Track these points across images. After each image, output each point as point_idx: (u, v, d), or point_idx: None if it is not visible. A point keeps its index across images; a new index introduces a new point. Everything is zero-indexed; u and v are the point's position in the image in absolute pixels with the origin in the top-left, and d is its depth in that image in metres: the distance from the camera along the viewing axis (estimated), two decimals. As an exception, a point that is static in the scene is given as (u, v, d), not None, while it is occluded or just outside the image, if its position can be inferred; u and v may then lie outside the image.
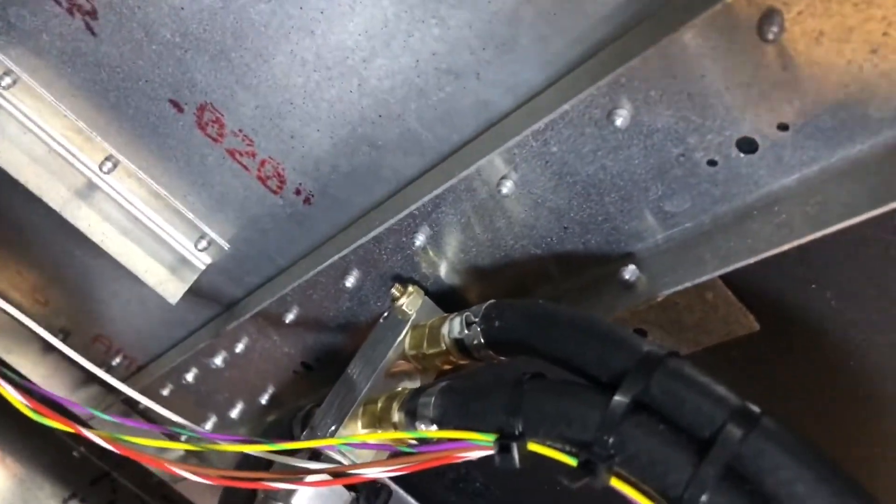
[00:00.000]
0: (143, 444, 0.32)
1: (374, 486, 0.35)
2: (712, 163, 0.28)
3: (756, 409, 0.23)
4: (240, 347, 0.47)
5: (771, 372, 0.34)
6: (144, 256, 0.43)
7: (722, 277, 0.31)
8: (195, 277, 0.43)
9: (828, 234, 0.27)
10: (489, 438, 0.27)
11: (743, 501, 0.23)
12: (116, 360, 0.55)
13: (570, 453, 0.25)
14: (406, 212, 0.34)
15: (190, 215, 0.42)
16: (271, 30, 0.31)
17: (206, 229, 0.42)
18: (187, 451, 0.44)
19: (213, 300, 0.47)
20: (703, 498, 0.23)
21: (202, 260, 0.43)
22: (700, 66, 0.25)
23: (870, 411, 0.33)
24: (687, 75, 0.26)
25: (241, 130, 0.35)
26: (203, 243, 0.42)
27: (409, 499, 0.44)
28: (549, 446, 0.26)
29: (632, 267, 0.31)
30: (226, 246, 0.42)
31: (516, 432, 0.26)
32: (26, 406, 0.30)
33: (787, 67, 0.25)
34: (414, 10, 0.29)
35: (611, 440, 0.24)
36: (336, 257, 0.36)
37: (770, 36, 0.24)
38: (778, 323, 0.31)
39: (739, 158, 0.28)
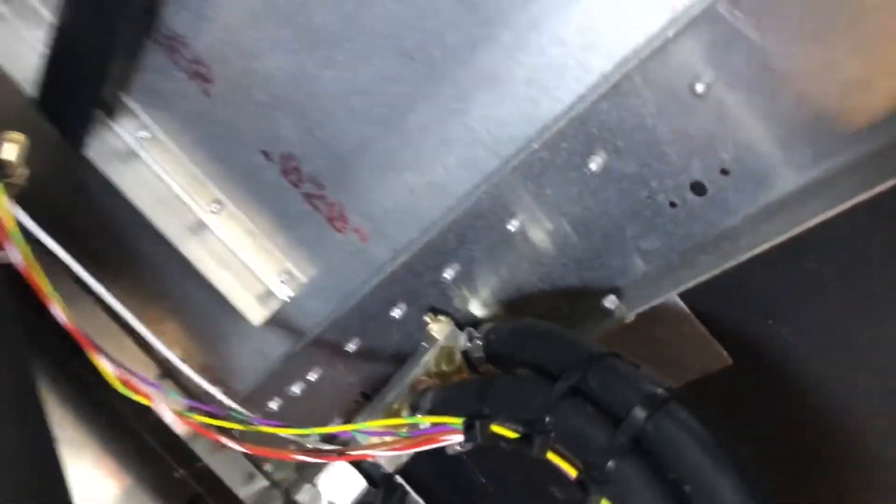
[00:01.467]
0: (204, 420, 0.42)
1: (392, 483, 0.41)
2: (673, 204, 0.35)
3: (666, 394, 0.29)
4: (313, 376, 0.56)
5: (746, 407, 0.38)
6: (238, 287, 0.53)
7: (696, 314, 0.37)
8: (278, 307, 0.53)
9: (779, 271, 0.33)
10: (458, 421, 0.34)
11: (644, 471, 0.28)
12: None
13: (518, 431, 0.32)
14: (429, 245, 0.42)
15: (276, 252, 0.52)
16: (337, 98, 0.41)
17: (289, 265, 0.52)
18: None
19: (297, 333, 0.56)
20: (610, 464, 0.28)
21: (285, 292, 0.53)
22: (650, 118, 0.32)
23: (831, 443, 0.36)
24: (640, 126, 0.33)
25: (314, 178, 0.46)
26: (285, 276, 0.52)
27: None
28: (507, 427, 0.32)
29: (612, 297, 0.37)
30: (304, 280, 0.52)
31: (481, 415, 0.33)
32: (115, 377, 0.41)
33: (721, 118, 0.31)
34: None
35: (548, 419, 0.30)
36: (373, 284, 0.45)
37: (699, 91, 0.31)
38: (747, 359, 0.36)
39: (694, 201, 0.34)
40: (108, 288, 0.43)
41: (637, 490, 0.28)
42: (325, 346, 0.52)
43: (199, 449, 0.73)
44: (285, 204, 0.49)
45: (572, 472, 0.30)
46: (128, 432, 0.72)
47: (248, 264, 0.54)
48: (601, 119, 0.34)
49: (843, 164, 0.30)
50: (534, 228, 0.39)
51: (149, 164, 0.52)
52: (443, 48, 0.36)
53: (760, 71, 0.29)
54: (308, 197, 0.47)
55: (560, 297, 0.41)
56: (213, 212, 0.53)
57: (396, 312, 0.47)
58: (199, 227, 0.53)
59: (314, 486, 0.40)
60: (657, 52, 0.31)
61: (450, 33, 0.35)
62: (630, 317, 0.37)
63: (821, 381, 0.35)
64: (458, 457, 0.52)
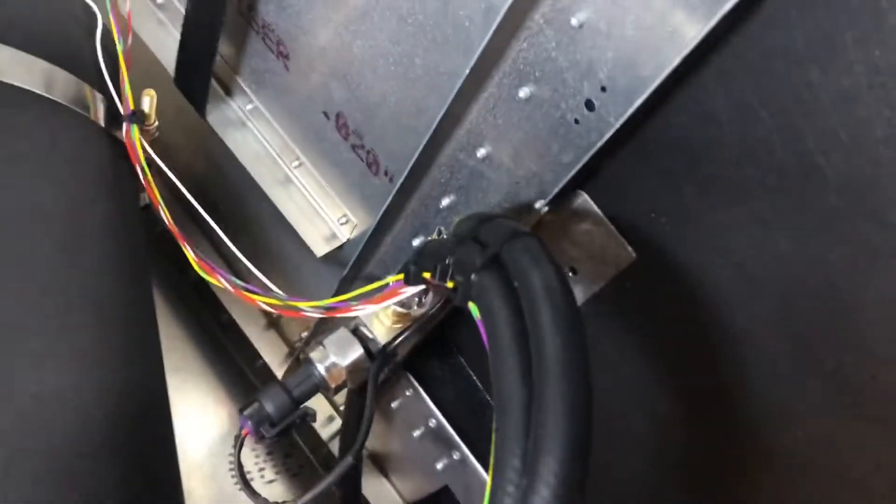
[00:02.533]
0: (253, 295, 0.57)
1: (385, 355, 0.55)
2: (577, 121, 0.47)
3: (526, 232, 0.41)
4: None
5: (656, 298, 0.48)
6: (312, 229, 0.70)
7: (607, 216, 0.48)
8: (338, 244, 0.68)
9: (648, 169, 0.44)
10: (400, 276, 0.47)
11: (497, 279, 0.40)
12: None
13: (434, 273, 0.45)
14: (432, 179, 0.56)
15: (337, 199, 0.68)
16: (366, 62, 0.57)
17: (346, 210, 0.68)
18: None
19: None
20: (473, 277, 0.41)
21: (344, 233, 0.69)
22: (553, 51, 0.45)
23: (699, 321, 0.45)
24: (548, 59, 0.45)
25: (356, 130, 0.62)
26: (343, 220, 0.68)
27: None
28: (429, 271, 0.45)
29: (542, 201, 0.49)
30: (356, 222, 0.68)
31: (413, 266, 0.46)
32: (196, 260, 0.58)
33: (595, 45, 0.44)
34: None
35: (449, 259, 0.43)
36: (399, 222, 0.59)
37: (575, 24, 0.44)
38: (644, 252, 0.46)
39: (589, 116, 0.46)
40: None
41: (491, 293, 0.40)
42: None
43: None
44: (339, 155, 0.65)
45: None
46: (235, 369, 0.90)
47: (317, 210, 0.70)
48: (523, 56, 0.47)
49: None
50: (495, 154, 0.52)
51: (252, 130, 0.71)
52: (424, 13, 0.51)
53: (611, 5, 0.41)
54: (354, 147, 0.63)
55: (512, 210, 0.53)
56: (295, 167, 0.70)
57: (416, 242, 0.61)
58: (286, 180, 0.71)
59: (323, 346, 0.55)
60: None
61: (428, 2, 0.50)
62: (544, 210, 0.49)
63: (689, 265, 0.44)
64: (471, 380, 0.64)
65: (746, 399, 0.46)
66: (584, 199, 0.49)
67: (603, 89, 0.44)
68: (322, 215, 0.69)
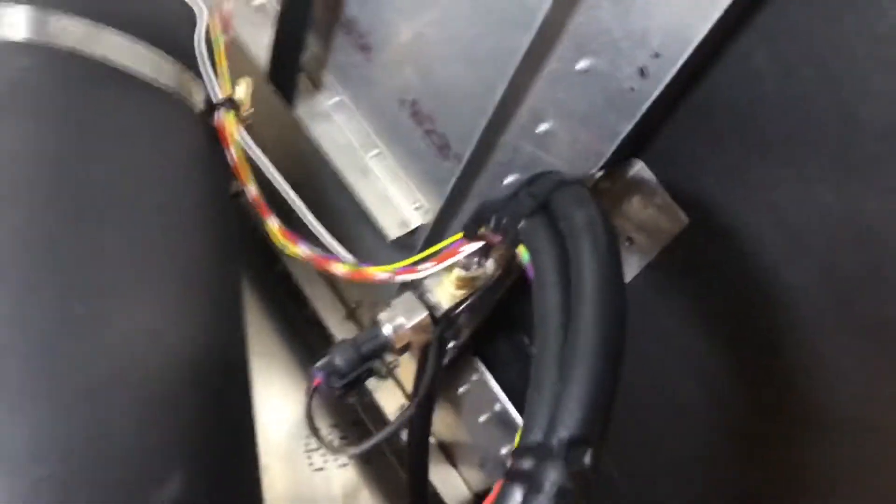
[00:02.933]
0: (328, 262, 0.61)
1: (448, 320, 0.58)
2: (632, 89, 0.50)
3: (572, 181, 0.44)
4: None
5: (707, 261, 0.49)
6: (387, 215, 0.74)
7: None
8: (410, 229, 0.72)
9: (689, 132, 0.47)
10: (460, 234, 0.51)
11: (544, 224, 0.43)
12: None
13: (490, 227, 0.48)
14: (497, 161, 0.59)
15: (412, 186, 0.73)
16: (436, 48, 0.61)
17: (420, 196, 0.72)
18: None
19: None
20: (522, 223, 0.44)
21: (416, 219, 0.73)
22: (607, 22, 0.48)
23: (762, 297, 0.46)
24: (604, 31, 0.48)
25: (429, 115, 0.66)
26: (417, 205, 0.72)
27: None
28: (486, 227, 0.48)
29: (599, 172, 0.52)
30: (429, 207, 0.72)
31: (470, 223, 0.50)
32: (277, 229, 0.63)
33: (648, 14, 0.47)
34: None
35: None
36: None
37: None
38: (699, 217, 0.48)
39: (643, 83, 0.49)
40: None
41: (538, 235, 0.43)
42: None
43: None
44: (413, 142, 0.69)
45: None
46: (315, 358, 0.94)
47: (392, 197, 0.74)
48: (581, 29, 0.50)
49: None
50: (556, 129, 0.55)
51: (336, 122, 0.76)
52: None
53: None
54: (427, 133, 0.68)
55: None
56: (373, 156, 0.75)
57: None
58: (365, 169, 0.76)
59: (391, 307, 0.58)
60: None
61: None
62: (599, 174, 0.51)
63: (736, 225, 0.46)
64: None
65: (795, 357, 0.47)
66: (640, 167, 0.52)
67: (655, 55, 0.47)
68: (396, 202, 0.73)
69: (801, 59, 0.40)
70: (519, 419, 0.74)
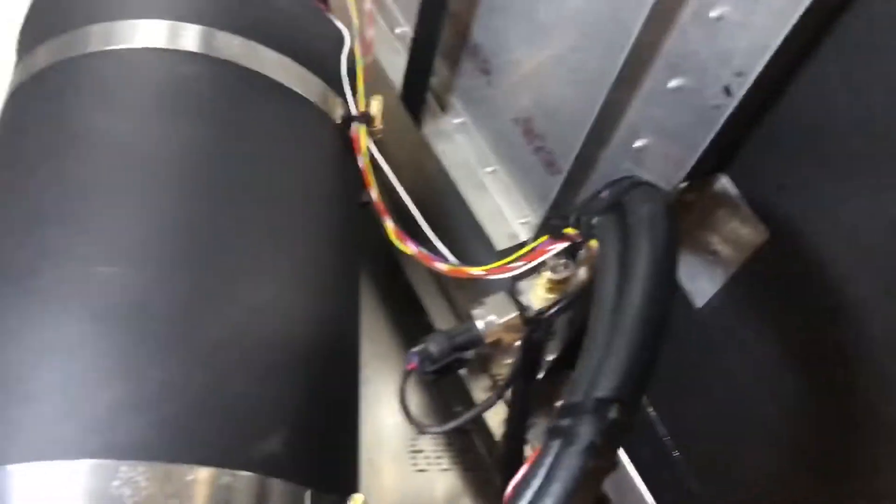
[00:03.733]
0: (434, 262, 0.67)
1: (538, 322, 0.62)
2: (717, 107, 0.52)
3: (646, 182, 0.47)
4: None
5: (785, 274, 0.51)
6: (497, 228, 0.79)
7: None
8: (518, 242, 0.77)
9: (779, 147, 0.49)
10: (547, 236, 0.55)
11: (615, 220, 0.46)
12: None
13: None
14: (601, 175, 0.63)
15: (522, 201, 0.78)
16: (552, 70, 0.66)
17: (528, 211, 0.77)
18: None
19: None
20: (595, 219, 0.48)
21: (524, 233, 0.77)
22: (696, 44, 0.52)
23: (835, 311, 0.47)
24: (693, 52, 0.52)
25: (539, 133, 0.71)
26: (524, 220, 0.77)
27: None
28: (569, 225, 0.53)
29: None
30: (534, 221, 0.76)
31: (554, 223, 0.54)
32: (392, 229, 0.69)
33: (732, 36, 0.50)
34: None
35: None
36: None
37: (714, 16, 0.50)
38: (777, 231, 0.50)
39: (726, 100, 0.52)
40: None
41: (608, 228, 0.46)
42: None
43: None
44: (524, 158, 0.74)
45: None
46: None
47: (503, 212, 0.79)
48: (673, 50, 0.54)
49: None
50: (651, 144, 0.59)
51: (458, 141, 0.83)
52: (597, 21, 0.60)
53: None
54: (536, 150, 0.72)
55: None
56: (488, 173, 0.80)
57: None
58: (480, 185, 0.81)
59: (483, 304, 0.63)
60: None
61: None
62: (682, 185, 0.54)
63: (811, 238, 0.47)
64: None
65: (866, 371, 0.47)
66: (724, 182, 0.54)
67: (738, 74, 0.49)
68: (507, 216, 0.78)
69: (872, 76, 0.42)
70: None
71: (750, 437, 0.57)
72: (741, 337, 0.55)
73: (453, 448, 0.97)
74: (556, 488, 0.35)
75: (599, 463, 0.35)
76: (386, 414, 0.97)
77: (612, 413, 0.35)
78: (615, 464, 0.35)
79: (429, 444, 0.97)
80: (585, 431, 0.35)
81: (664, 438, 0.67)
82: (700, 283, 0.58)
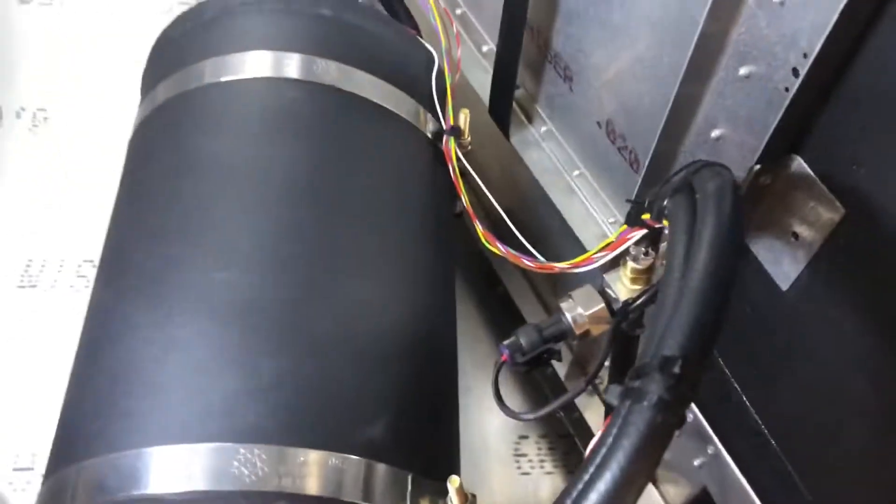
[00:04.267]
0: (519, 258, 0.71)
1: (624, 313, 0.64)
2: (787, 89, 0.54)
3: (714, 163, 0.49)
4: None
5: (866, 250, 0.51)
6: (587, 231, 0.82)
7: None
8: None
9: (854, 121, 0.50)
10: (625, 226, 0.57)
11: (685, 200, 0.49)
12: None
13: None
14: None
15: (608, 202, 0.80)
16: (628, 70, 0.69)
17: (616, 211, 0.79)
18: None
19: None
20: (667, 201, 0.50)
21: (613, 233, 0.79)
22: (764, 29, 0.53)
23: None
24: (761, 37, 0.53)
25: (621, 133, 0.74)
26: (613, 220, 0.79)
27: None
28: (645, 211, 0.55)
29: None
30: (622, 220, 0.78)
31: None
32: (482, 231, 0.73)
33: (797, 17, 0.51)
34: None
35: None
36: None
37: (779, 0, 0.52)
38: (854, 206, 0.51)
39: (795, 82, 0.53)
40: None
41: (678, 208, 0.48)
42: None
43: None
44: (608, 159, 0.77)
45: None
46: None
47: (593, 213, 0.82)
48: (742, 38, 0.56)
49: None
50: (727, 133, 0.60)
51: (545, 149, 0.86)
52: (667, 17, 0.62)
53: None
54: (619, 150, 0.75)
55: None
56: (576, 177, 0.83)
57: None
58: (569, 189, 0.84)
59: (571, 298, 0.66)
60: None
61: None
62: (756, 167, 0.55)
63: (889, 211, 0.47)
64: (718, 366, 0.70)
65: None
66: (798, 163, 0.55)
67: (804, 55, 0.51)
68: (595, 217, 0.81)
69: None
70: (709, 427, 0.76)
71: (843, 417, 0.57)
72: (830, 316, 0.55)
73: (556, 451, 0.99)
74: (627, 444, 0.37)
75: (667, 418, 0.37)
76: (489, 419, 1.00)
77: (678, 369, 0.37)
78: (683, 419, 0.37)
79: (532, 448, 0.99)
80: (653, 389, 0.37)
81: (761, 428, 0.67)
82: (783, 266, 0.58)
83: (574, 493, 0.36)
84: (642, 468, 0.37)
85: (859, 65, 0.47)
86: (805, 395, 0.61)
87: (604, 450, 0.38)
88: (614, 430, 0.38)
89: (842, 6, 0.44)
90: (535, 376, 1.01)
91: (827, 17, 0.46)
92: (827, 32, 0.46)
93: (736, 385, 0.71)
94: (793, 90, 0.51)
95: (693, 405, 0.78)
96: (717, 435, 0.76)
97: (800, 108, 0.51)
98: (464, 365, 0.94)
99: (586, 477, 0.37)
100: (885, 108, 0.46)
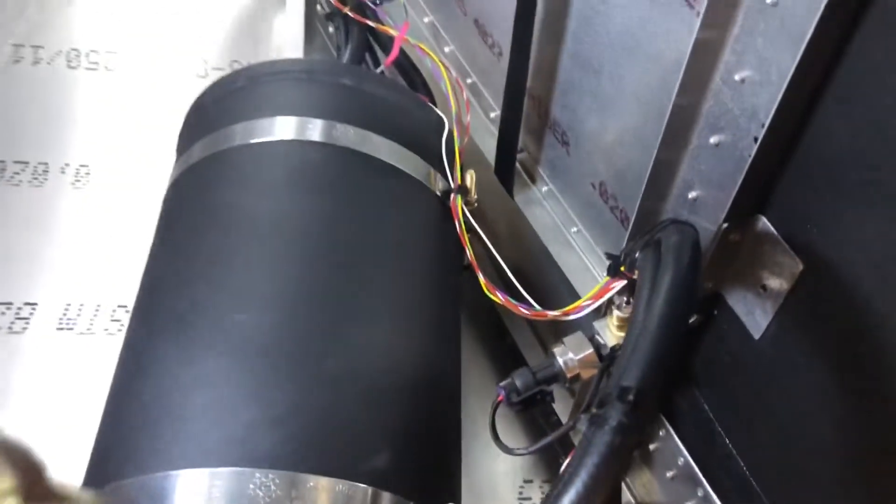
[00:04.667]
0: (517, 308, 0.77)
1: (612, 356, 0.70)
2: (749, 155, 0.60)
3: (681, 221, 0.56)
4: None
5: (823, 302, 0.57)
6: (584, 283, 0.88)
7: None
8: (602, 294, 0.85)
9: (804, 187, 0.57)
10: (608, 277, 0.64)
11: (652, 254, 0.55)
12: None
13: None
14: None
15: (603, 257, 0.86)
16: (620, 139, 0.76)
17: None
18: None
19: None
20: (637, 254, 0.56)
21: (607, 285, 0.85)
22: (729, 103, 0.60)
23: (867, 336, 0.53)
24: (727, 111, 0.60)
25: (612, 194, 0.80)
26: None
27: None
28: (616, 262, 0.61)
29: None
30: None
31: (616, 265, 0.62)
32: (484, 281, 0.80)
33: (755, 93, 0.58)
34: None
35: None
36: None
37: (738, 79, 0.59)
38: (810, 261, 0.57)
39: (756, 148, 0.59)
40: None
41: (646, 263, 0.55)
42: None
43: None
44: (602, 217, 0.83)
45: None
46: (531, 418, 1.08)
47: (589, 267, 0.88)
48: (712, 111, 0.63)
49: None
50: (701, 195, 0.67)
51: (546, 206, 0.93)
52: (651, 98, 0.69)
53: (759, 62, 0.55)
54: (611, 209, 0.81)
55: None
56: (573, 233, 0.90)
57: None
58: (567, 244, 0.90)
59: (563, 343, 0.72)
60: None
61: (652, 84, 0.68)
62: (724, 226, 0.61)
63: (838, 267, 0.53)
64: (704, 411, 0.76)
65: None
66: (763, 222, 0.61)
67: (762, 126, 0.57)
68: (592, 271, 0.87)
69: (877, 119, 0.49)
70: (698, 471, 0.81)
71: (812, 455, 0.62)
72: (796, 362, 0.61)
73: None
74: (589, 462, 0.43)
75: (625, 440, 0.43)
76: (496, 463, 1.05)
77: (632, 397, 0.43)
78: (640, 441, 0.43)
79: (536, 491, 1.03)
80: (612, 415, 0.43)
81: (743, 470, 0.72)
82: (755, 316, 0.64)
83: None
84: (603, 482, 0.42)
85: (809, 135, 0.53)
86: (779, 439, 0.66)
87: (571, 469, 0.44)
88: (581, 451, 0.44)
89: (785, 86, 0.51)
90: (541, 424, 1.06)
91: (775, 95, 0.53)
92: (775, 107, 0.52)
93: (720, 429, 0.76)
94: (751, 156, 0.57)
95: (684, 450, 0.83)
96: (706, 478, 0.80)
97: (759, 172, 0.57)
98: (473, 412, 1.00)
99: (555, 491, 0.43)
100: (831, 173, 0.53)
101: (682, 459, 0.84)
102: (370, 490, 0.63)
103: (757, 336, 0.65)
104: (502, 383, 0.69)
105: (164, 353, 0.68)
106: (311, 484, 0.62)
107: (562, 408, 0.98)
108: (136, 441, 0.64)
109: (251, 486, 0.60)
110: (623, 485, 0.93)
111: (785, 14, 0.51)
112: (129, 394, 0.68)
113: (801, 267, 0.58)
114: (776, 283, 0.61)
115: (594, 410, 0.45)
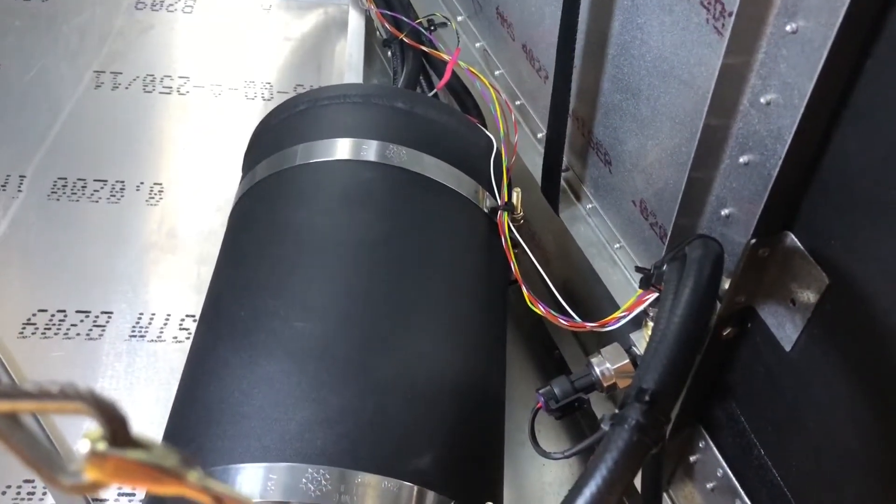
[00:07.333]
0: (559, 321, 0.81)
1: None
2: (776, 174, 0.63)
3: (707, 236, 0.59)
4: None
5: (849, 315, 0.59)
6: (626, 296, 0.91)
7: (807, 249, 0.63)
8: (643, 308, 0.89)
9: (823, 201, 0.60)
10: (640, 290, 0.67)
11: (677, 267, 0.59)
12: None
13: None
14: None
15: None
16: (659, 158, 0.80)
17: (650, 280, 0.89)
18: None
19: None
20: (663, 268, 0.60)
21: (648, 300, 0.89)
22: (756, 125, 0.64)
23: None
24: (754, 132, 0.64)
25: (652, 211, 0.84)
26: (648, 288, 0.89)
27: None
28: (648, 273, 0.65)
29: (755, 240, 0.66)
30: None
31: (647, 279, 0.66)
32: (527, 294, 0.84)
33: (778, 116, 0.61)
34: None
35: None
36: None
37: (764, 102, 0.62)
38: (835, 275, 0.60)
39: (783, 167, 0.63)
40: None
41: (671, 275, 0.58)
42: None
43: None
44: (643, 233, 0.87)
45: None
46: (577, 425, 1.11)
47: (631, 282, 0.91)
48: (741, 132, 0.66)
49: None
50: (734, 212, 0.70)
51: (590, 224, 0.96)
52: (685, 116, 0.73)
53: (783, 86, 0.59)
54: (651, 225, 0.85)
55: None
56: (616, 249, 0.93)
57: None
58: (611, 261, 0.94)
59: (600, 354, 0.75)
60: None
61: (685, 106, 0.72)
62: (752, 241, 0.64)
63: (858, 280, 0.55)
64: (741, 423, 0.78)
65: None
66: (791, 238, 0.64)
67: (786, 146, 0.61)
68: (634, 285, 0.90)
69: (881, 143, 0.52)
70: (737, 483, 0.83)
71: (842, 466, 0.64)
72: (826, 375, 0.63)
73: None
74: (609, 458, 0.46)
75: (642, 438, 0.47)
76: (543, 474, 1.08)
77: (649, 397, 0.46)
78: (658, 440, 0.47)
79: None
80: (631, 414, 0.47)
81: (778, 480, 0.74)
82: (786, 329, 0.67)
83: (566, 498, 0.46)
84: (621, 478, 0.46)
85: (828, 155, 0.56)
86: (811, 449, 0.68)
87: (592, 464, 0.47)
88: (601, 449, 0.48)
89: (802, 109, 0.54)
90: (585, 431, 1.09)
91: (797, 117, 0.56)
92: (794, 128, 0.56)
93: (755, 440, 0.78)
94: (776, 175, 0.60)
95: (723, 461, 0.86)
96: (743, 489, 0.82)
97: (784, 190, 0.60)
98: (521, 422, 1.04)
99: (576, 486, 0.47)
100: (850, 191, 0.56)
101: (721, 471, 0.86)
102: (415, 489, 0.67)
103: (788, 348, 0.67)
104: (541, 390, 0.73)
105: (227, 357, 0.74)
106: (359, 480, 0.66)
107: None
108: (201, 437, 0.70)
109: (304, 479, 0.66)
110: (666, 496, 0.95)
111: (804, 41, 0.54)
112: (195, 395, 0.74)
113: (827, 281, 0.60)
114: (804, 296, 0.64)
115: (616, 411, 0.49)
